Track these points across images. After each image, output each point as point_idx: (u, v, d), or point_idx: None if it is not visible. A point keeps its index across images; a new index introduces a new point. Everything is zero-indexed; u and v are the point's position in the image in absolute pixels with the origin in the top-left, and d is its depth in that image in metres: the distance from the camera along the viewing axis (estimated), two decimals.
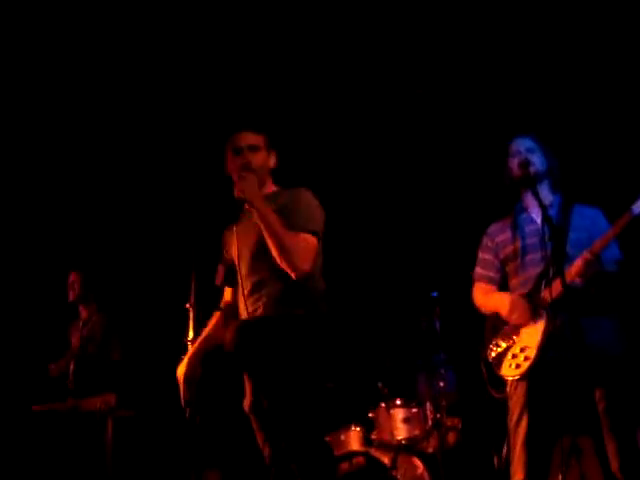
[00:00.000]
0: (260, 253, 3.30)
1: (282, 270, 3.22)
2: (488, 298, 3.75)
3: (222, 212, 3.74)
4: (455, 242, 5.54)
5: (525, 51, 5.47)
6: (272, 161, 3.57)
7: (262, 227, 3.24)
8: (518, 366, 3.47)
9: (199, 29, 5.48)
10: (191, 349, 3.58)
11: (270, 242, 3.22)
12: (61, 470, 4.98)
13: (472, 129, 5.78)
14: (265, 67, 5.75)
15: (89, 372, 5.25)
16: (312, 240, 3.27)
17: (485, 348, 3.69)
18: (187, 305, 3.78)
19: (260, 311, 3.32)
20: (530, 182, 3.56)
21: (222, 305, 3.74)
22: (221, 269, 3.66)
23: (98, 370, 5.25)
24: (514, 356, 3.50)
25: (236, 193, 3.35)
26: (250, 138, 3.52)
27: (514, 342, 3.53)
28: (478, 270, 3.85)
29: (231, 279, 3.62)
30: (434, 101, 5.85)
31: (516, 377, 3.48)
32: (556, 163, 3.74)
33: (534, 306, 3.48)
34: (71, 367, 5.33)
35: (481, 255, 3.85)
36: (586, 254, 3.31)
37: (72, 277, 5.55)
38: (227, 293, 3.74)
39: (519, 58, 5.51)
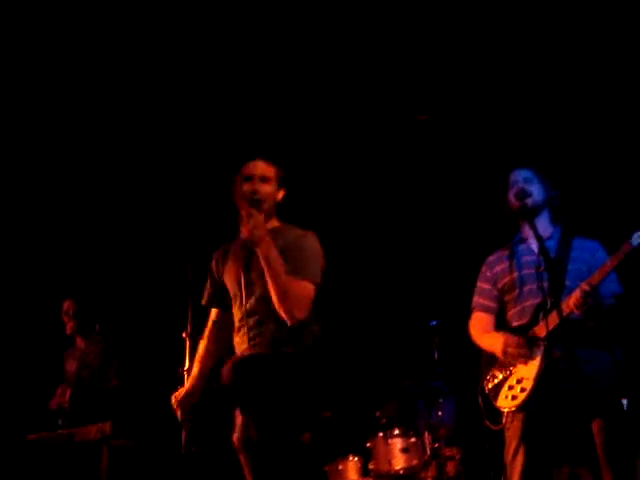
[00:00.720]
0: (268, 293, 3.30)
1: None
2: (482, 338, 3.73)
3: (217, 237, 3.75)
4: (455, 271, 5.53)
5: (532, 81, 5.49)
6: (279, 196, 3.56)
7: (265, 270, 3.26)
8: (514, 397, 3.44)
9: (208, 38, 5.41)
10: (188, 382, 3.58)
11: (272, 286, 3.25)
12: None
13: (474, 159, 5.79)
14: (265, 86, 5.76)
15: (86, 400, 5.22)
16: (311, 289, 3.31)
17: (482, 380, 3.66)
18: (184, 334, 3.78)
19: (258, 348, 3.34)
20: (527, 213, 3.56)
21: (209, 326, 3.73)
22: (207, 290, 3.70)
23: (95, 397, 5.22)
24: (510, 387, 3.49)
25: (243, 233, 3.36)
26: (263, 168, 3.51)
27: (511, 373, 3.51)
28: (476, 299, 3.83)
29: (218, 301, 3.65)
30: (437, 129, 5.86)
31: (512, 408, 3.45)
32: (557, 194, 3.72)
33: (529, 339, 3.47)
34: (67, 394, 5.29)
35: (479, 284, 3.84)
36: (584, 285, 3.30)
37: (66, 305, 5.54)
38: (213, 313, 3.74)
39: (527, 89, 5.53)
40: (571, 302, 3.30)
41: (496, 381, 3.57)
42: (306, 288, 3.29)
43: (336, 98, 5.83)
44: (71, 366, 5.53)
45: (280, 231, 3.50)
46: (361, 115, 5.91)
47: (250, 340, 3.36)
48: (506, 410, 3.47)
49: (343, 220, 6.18)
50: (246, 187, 3.45)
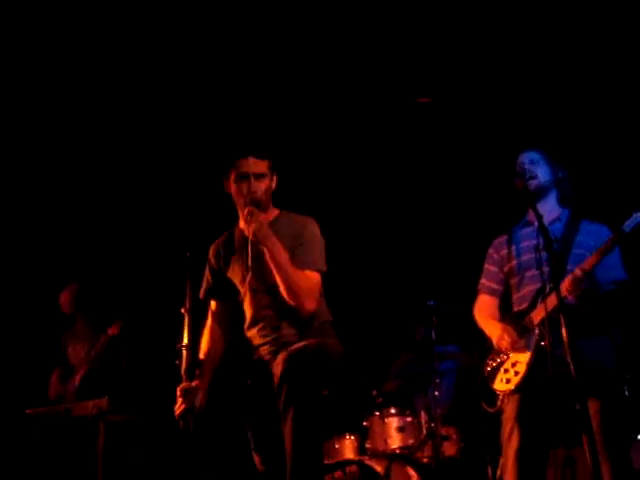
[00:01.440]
0: (278, 288, 3.39)
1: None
2: (484, 324, 3.74)
3: (215, 217, 3.74)
4: (455, 252, 5.53)
5: (537, 62, 5.45)
6: (274, 184, 3.61)
7: (273, 267, 3.35)
8: (508, 381, 3.48)
9: (199, 35, 5.48)
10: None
11: (280, 282, 3.34)
12: (53, 473, 4.96)
13: (480, 140, 5.75)
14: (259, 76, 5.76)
15: (97, 382, 5.29)
16: (317, 278, 3.41)
17: (484, 363, 3.67)
18: (182, 310, 3.78)
19: (280, 341, 3.43)
20: (530, 196, 3.49)
21: (209, 318, 3.78)
22: (206, 283, 3.74)
23: (106, 380, 5.28)
24: (506, 371, 3.52)
25: (247, 233, 3.40)
26: (257, 165, 3.52)
27: (507, 357, 3.55)
28: (483, 281, 3.84)
29: (218, 293, 3.71)
30: (441, 109, 5.82)
31: (506, 391, 3.48)
32: (565, 175, 3.68)
33: (523, 327, 3.48)
34: (77, 379, 5.34)
35: (486, 266, 3.84)
36: (576, 271, 3.28)
37: (68, 289, 5.55)
38: (213, 305, 3.78)
39: (532, 70, 5.49)
40: (563, 287, 3.28)
41: (494, 364, 3.60)
42: (313, 279, 3.39)
43: (334, 77, 5.80)
44: (75, 350, 5.55)
45: (280, 220, 3.56)
46: (362, 93, 5.87)
47: (267, 335, 3.47)
48: (501, 393, 3.51)
49: (343, 200, 6.17)
50: (243, 187, 3.49)
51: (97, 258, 6.23)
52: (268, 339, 3.48)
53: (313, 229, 3.53)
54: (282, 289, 3.34)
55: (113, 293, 5.89)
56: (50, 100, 5.79)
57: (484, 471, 4.90)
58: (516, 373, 3.45)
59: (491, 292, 3.78)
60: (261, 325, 3.51)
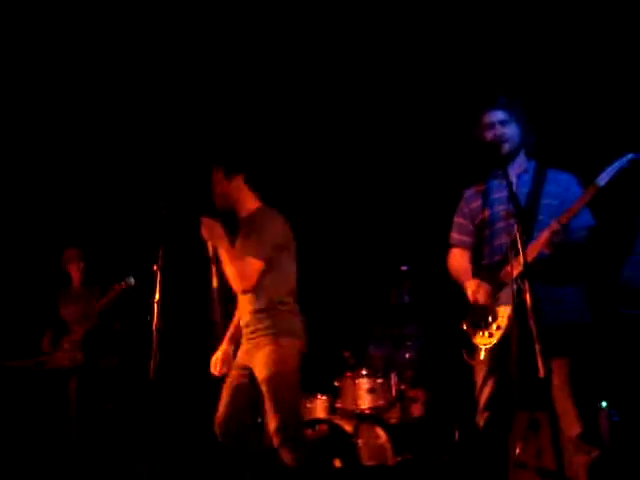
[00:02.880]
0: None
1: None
2: (459, 277, 3.74)
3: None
4: (427, 214, 5.52)
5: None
6: (236, 183, 3.94)
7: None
8: (491, 335, 3.49)
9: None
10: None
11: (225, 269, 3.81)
12: (27, 424, 5.03)
13: (441, 94, 5.65)
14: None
15: (96, 339, 5.36)
16: (255, 264, 3.75)
17: (464, 317, 3.68)
18: (154, 267, 3.83)
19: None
20: (501, 162, 3.47)
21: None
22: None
23: (103, 337, 5.35)
24: (487, 325, 3.52)
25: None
26: (215, 174, 3.96)
27: (487, 312, 3.54)
28: (453, 235, 3.84)
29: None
30: (399, 63, 5.75)
31: (488, 345, 3.49)
32: (531, 129, 3.66)
33: (499, 282, 3.50)
34: (80, 333, 5.40)
35: (456, 219, 3.84)
36: (554, 224, 3.30)
37: (72, 252, 5.60)
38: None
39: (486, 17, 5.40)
40: (541, 241, 3.32)
41: (473, 319, 3.60)
42: (249, 264, 3.74)
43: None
44: (71, 310, 5.60)
45: (252, 215, 3.92)
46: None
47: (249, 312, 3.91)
48: (482, 347, 3.52)
49: (316, 166, 6.16)
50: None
51: (88, 220, 6.26)
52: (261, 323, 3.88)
53: (261, 218, 3.86)
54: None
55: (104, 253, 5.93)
56: (49, 85, 5.88)
57: (450, 432, 5.03)
58: (498, 327, 3.46)
59: (462, 245, 3.79)
60: (251, 312, 3.92)
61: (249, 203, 3.96)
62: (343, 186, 6.26)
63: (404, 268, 5.33)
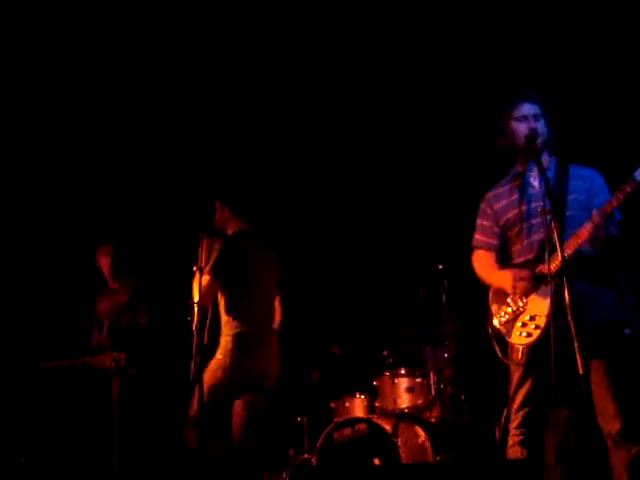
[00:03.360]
0: None
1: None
2: (491, 276, 3.71)
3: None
4: (461, 212, 5.50)
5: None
6: (225, 213, 4.54)
7: None
8: (529, 335, 3.44)
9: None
10: None
11: None
12: (68, 426, 5.09)
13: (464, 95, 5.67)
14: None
15: (120, 336, 5.42)
16: (206, 279, 4.13)
17: (491, 316, 3.65)
18: (194, 268, 3.88)
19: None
20: (536, 154, 3.45)
21: None
22: None
23: (127, 334, 5.41)
24: (524, 324, 3.47)
25: None
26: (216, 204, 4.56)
27: (522, 310, 3.50)
28: (477, 237, 3.81)
29: None
30: (420, 64, 5.74)
31: (528, 344, 3.44)
32: (553, 127, 3.64)
33: (537, 276, 3.46)
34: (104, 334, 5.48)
35: (480, 222, 3.81)
36: (595, 216, 3.24)
37: (105, 250, 5.67)
38: None
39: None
40: (582, 235, 3.29)
41: (508, 317, 3.56)
42: (204, 280, 4.10)
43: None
44: (104, 306, 5.67)
45: (227, 237, 4.45)
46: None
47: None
48: (521, 347, 3.47)
49: (351, 166, 6.17)
50: None
51: (119, 219, 6.33)
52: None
53: (227, 242, 4.40)
54: None
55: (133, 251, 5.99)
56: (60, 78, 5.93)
57: (491, 432, 5.00)
58: (536, 327, 3.41)
59: (488, 247, 3.76)
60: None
61: (230, 229, 4.52)
62: (380, 190, 6.27)
63: (440, 267, 5.30)
